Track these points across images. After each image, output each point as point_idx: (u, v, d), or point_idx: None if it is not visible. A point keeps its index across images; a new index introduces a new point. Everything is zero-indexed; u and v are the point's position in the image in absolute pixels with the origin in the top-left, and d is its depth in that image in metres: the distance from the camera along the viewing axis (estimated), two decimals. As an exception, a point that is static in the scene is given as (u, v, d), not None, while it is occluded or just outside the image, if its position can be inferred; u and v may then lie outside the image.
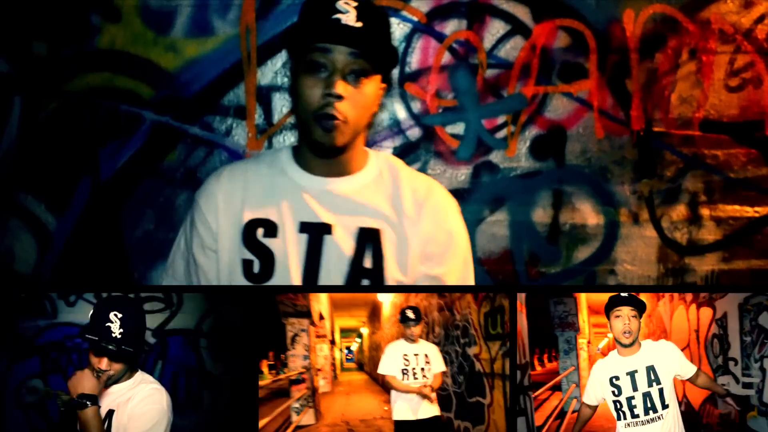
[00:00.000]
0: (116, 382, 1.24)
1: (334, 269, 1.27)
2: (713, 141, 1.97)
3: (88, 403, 1.13)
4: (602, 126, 1.96)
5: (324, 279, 1.28)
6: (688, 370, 1.37)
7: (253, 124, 1.94)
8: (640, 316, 1.36)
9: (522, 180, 1.97)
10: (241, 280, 1.28)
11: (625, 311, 1.35)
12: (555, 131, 1.97)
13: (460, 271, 1.37)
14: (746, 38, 1.95)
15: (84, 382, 1.15)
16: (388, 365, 2.15)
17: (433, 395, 2.09)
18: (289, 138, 1.95)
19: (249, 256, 1.28)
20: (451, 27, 1.93)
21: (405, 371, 2.12)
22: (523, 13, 1.93)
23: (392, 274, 1.29)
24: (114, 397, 1.23)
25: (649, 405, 1.32)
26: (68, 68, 1.92)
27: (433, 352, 2.18)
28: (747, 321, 1.45)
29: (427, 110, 1.95)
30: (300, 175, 1.33)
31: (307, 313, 2.89)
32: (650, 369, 1.34)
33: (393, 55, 1.30)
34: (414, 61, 1.94)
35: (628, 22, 1.94)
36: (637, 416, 1.32)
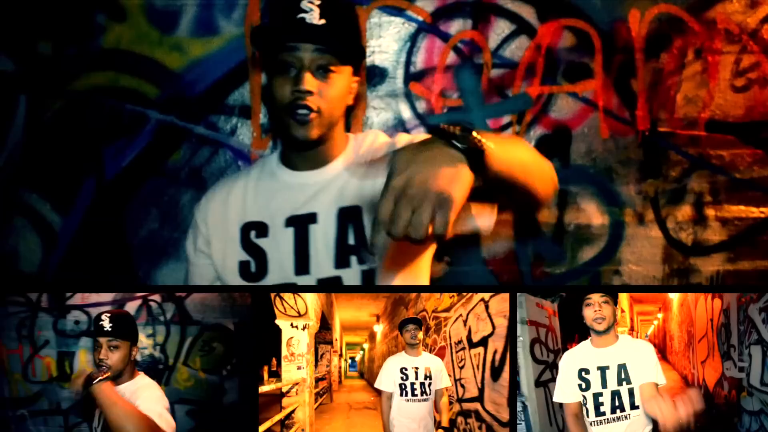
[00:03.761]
0: (118, 379, 1.31)
1: (322, 255, 1.33)
2: (719, 141, 1.97)
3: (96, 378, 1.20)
4: (607, 126, 1.96)
5: (314, 266, 1.33)
6: (658, 378, 1.27)
7: (257, 123, 1.94)
8: (614, 303, 1.30)
9: (527, 180, 1.97)
10: (237, 280, 1.38)
11: (595, 298, 1.29)
12: (560, 131, 1.96)
13: None
14: (752, 38, 1.94)
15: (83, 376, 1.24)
16: (384, 380, 1.96)
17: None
18: (294, 137, 1.95)
19: (245, 257, 1.37)
20: (456, 27, 1.93)
21: (403, 387, 1.93)
22: (528, 13, 1.93)
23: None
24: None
25: (616, 404, 1.26)
26: (73, 67, 1.92)
27: (437, 365, 2.01)
28: (742, 312, 1.47)
29: (432, 110, 1.95)
30: (287, 174, 1.41)
31: (329, 341, 4.50)
32: (622, 367, 1.27)
33: (357, 47, 1.38)
34: (419, 61, 1.94)
35: (633, 22, 1.93)
36: (603, 414, 1.26)
